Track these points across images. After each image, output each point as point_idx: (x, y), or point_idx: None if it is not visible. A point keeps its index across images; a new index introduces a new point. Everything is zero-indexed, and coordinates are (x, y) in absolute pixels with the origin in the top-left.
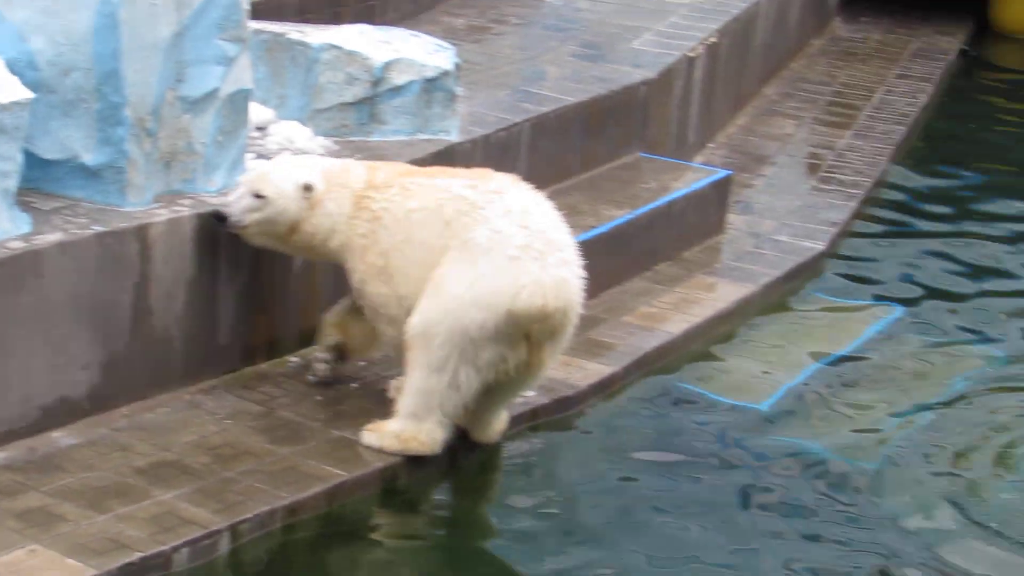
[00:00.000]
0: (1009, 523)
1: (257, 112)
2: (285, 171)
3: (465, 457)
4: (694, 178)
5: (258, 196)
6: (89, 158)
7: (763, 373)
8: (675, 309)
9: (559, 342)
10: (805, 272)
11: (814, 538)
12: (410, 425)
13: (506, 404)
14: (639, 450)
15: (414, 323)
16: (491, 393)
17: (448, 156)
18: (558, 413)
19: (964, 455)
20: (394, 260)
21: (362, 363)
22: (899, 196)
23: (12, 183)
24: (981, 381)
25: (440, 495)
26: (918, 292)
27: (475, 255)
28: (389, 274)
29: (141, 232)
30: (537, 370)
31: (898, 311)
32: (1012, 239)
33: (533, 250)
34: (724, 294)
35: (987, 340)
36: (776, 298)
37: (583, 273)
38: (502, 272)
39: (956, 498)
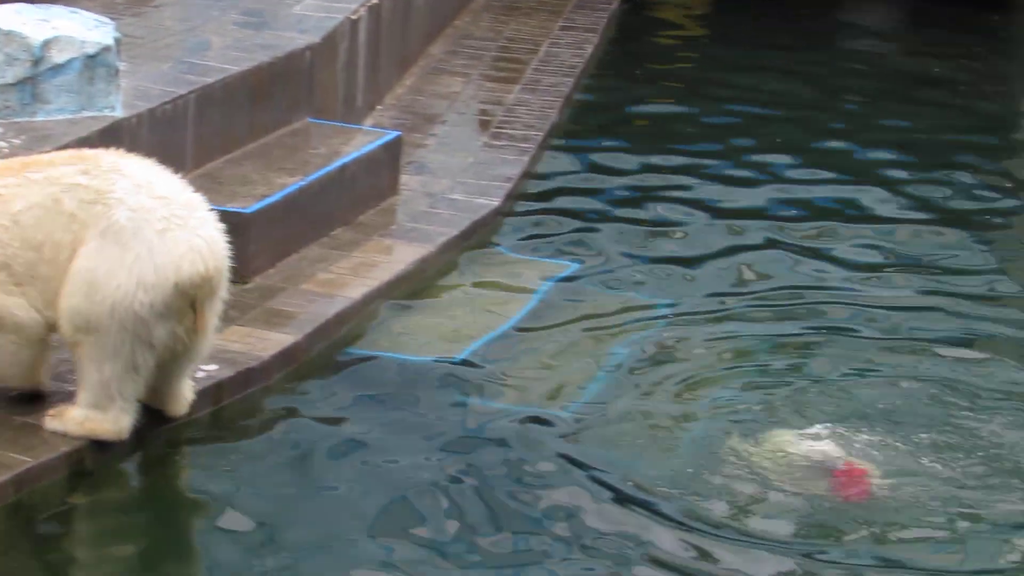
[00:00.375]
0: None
1: None
2: None
3: (152, 435)
4: (364, 141)
5: None
6: None
7: (445, 333)
8: (354, 274)
9: (218, 300)
10: (481, 230)
11: (494, 493)
12: (93, 414)
13: (186, 374)
14: (328, 419)
15: (77, 321)
16: (166, 367)
17: (114, 132)
18: (243, 386)
19: (630, 413)
20: (18, 269)
21: None
22: (570, 149)
23: None
24: (651, 337)
25: (128, 475)
26: (591, 246)
27: (124, 239)
28: (15, 284)
29: None
30: (204, 333)
31: (573, 266)
32: (681, 189)
33: (177, 218)
34: (402, 255)
35: (660, 295)
36: (454, 257)
37: (222, 226)
38: (157, 248)
39: (622, 453)
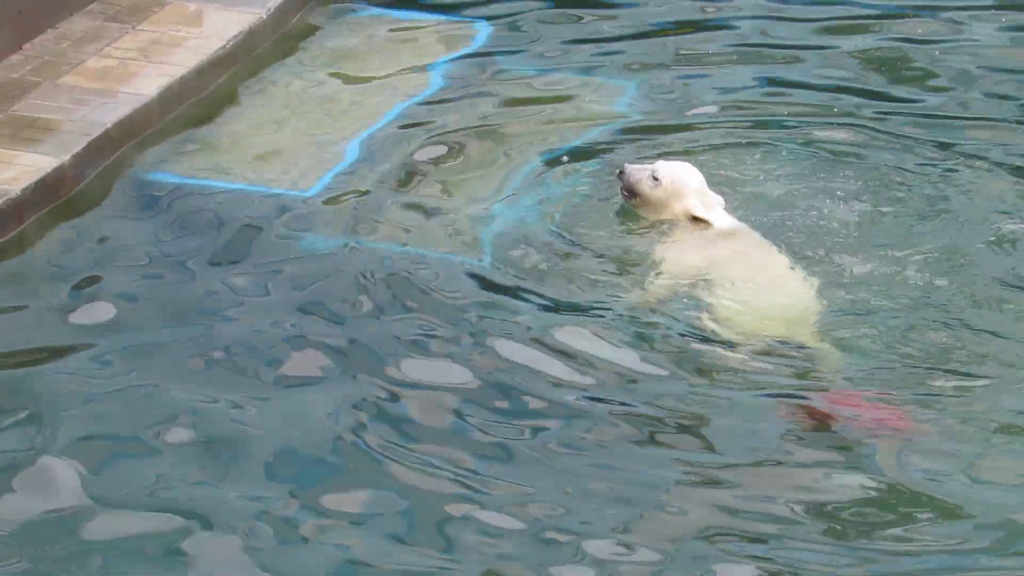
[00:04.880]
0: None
1: None
2: None
3: None
4: None
5: None
6: None
7: (289, 149)
8: (143, 57)
9: None
10: None
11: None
12: None
13: None
14: (125, 284)
15: None
16: None
17: None
18: None
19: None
20: None
21: None
22: None
23: None
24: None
25: None
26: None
27: None
28: None
29: None
30: None
31: (484, 29)
32: None
33: None
34: (217, 26)
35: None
36: (301, 24)
37: None
38: None
39: None
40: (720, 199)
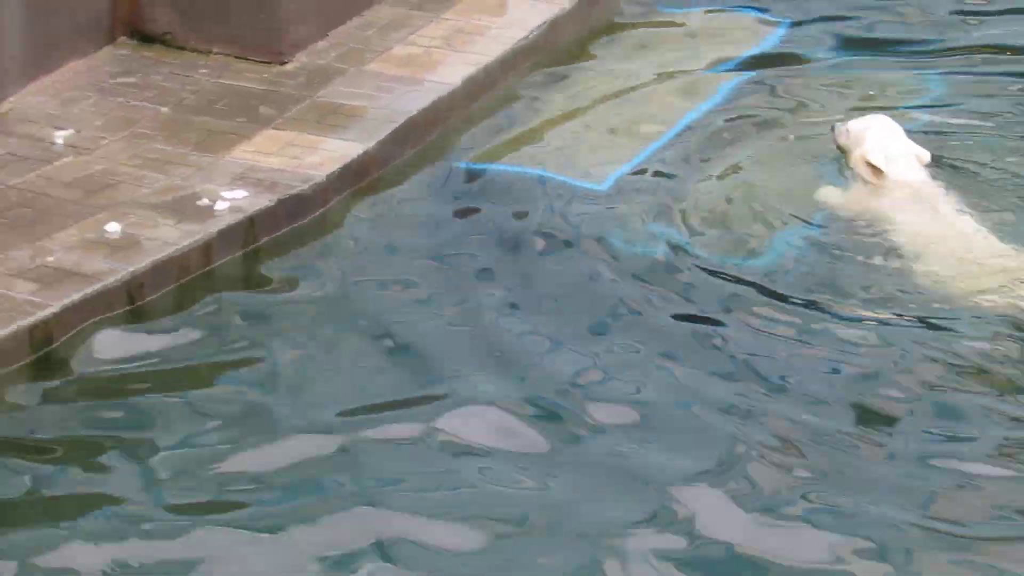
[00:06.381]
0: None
1: None
2: None
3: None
4: None
5: None
6: None
7: (586, 142)
8: (447, 46)
9: None
10: None
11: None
12: None
13: None
14: (426, 270)
15: None
16: None
17: None
18: (287, 219)
19: None
20: None
21: None
22: None
23: None
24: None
25: None
26: None
27: None
28: None
29: None
30: None
31: (782, 26)
32: None
33: None
34: (520, 16)
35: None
36: (602, 14)
37: None
38: None
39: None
40: (925, 153)
